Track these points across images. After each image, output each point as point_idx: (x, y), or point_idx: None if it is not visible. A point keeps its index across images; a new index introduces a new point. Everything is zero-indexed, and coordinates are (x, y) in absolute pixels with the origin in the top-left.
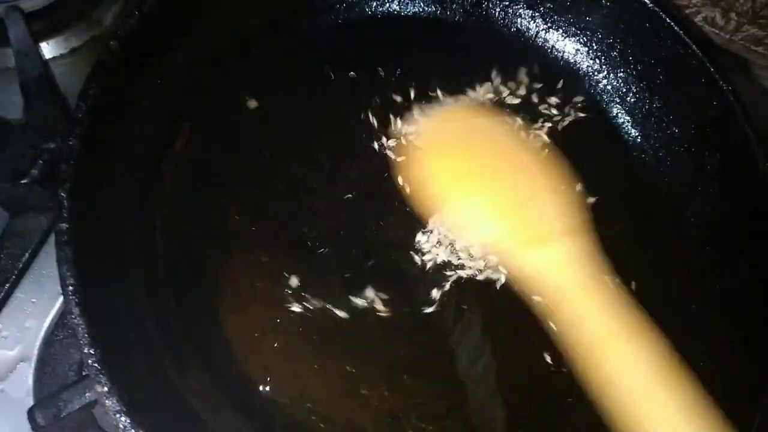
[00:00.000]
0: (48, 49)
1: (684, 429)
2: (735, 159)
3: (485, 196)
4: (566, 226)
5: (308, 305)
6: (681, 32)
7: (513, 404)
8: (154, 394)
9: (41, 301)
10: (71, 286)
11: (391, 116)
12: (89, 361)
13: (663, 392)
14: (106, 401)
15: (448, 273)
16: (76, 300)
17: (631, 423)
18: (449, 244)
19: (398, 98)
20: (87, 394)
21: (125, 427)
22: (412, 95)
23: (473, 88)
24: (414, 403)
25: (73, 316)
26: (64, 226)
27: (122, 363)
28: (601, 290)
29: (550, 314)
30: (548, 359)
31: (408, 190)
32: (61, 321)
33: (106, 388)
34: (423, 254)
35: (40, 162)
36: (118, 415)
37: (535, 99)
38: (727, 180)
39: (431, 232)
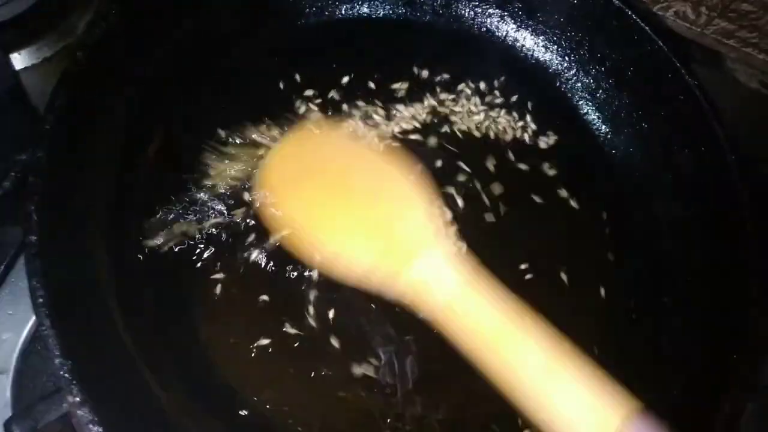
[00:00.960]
0: (19, 60)
1: (585, 408)
2: (703, 153)
3: (343, 224)
4: (428, 237)
5: (283, 312)
6: (647, 28)
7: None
8: (129, 404)
9: (18, 313)
10: (41, 298)
11: None
12: (60, 372)
13: (564, 374)
14: (78, 412)
15: None
16: (46, 312)
17: (537, 409)
18: None
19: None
20: (63, 405)
21: None
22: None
23: (445, 89)
24: (390, 404)
25: (44, 328)
26: (33, 238)
27: (95, 373)
28: (480, 289)
29: (441, 324)
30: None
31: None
32: (38, 333)
33: (77, 399)
34: None
35: (12, 174)
36: (90, 426)
37: (506, 99)
38: (697, 174)
39: None
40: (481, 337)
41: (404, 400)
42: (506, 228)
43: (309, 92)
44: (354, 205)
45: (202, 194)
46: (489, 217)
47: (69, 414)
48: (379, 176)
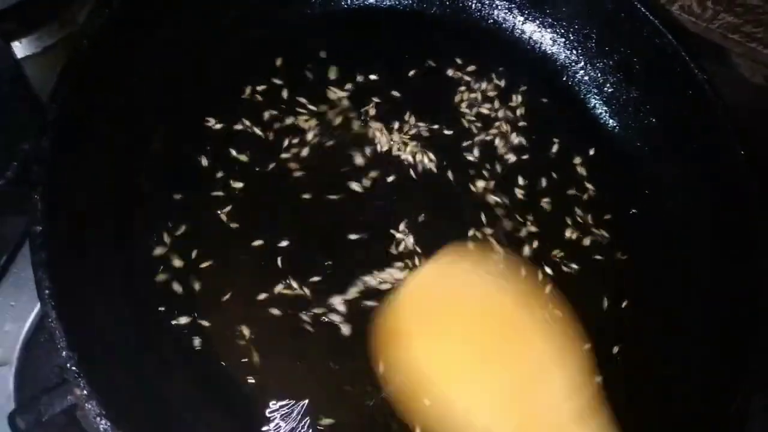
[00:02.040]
0: (20, 48)
1: None
2: (712, 147)
3: (481, 386)
4: (579, 408)
5: (289, 304)
6: (656, 21)
7: None
8: (134, 395)
9: (20, 304)
10: (47, 289)
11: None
12: (68, 365)
13: None
14: (86, 405)
15: None
16: (53, 303)
17: None
18: None
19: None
20: (68, 398)
21: (105, 429)
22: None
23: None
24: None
25: (50, 320)
26: (38, 228)
27: (101, 365)
28: None
29: None
30: None
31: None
32: (41, 324)
33: (85, 392)
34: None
35: (15, 163)
36: (98, 419)
37: (513, 92)
38: (706, 168)
39: None
40: None
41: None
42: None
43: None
44: (492, 365)
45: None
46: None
47: (74, 406)
48: (524, 330)
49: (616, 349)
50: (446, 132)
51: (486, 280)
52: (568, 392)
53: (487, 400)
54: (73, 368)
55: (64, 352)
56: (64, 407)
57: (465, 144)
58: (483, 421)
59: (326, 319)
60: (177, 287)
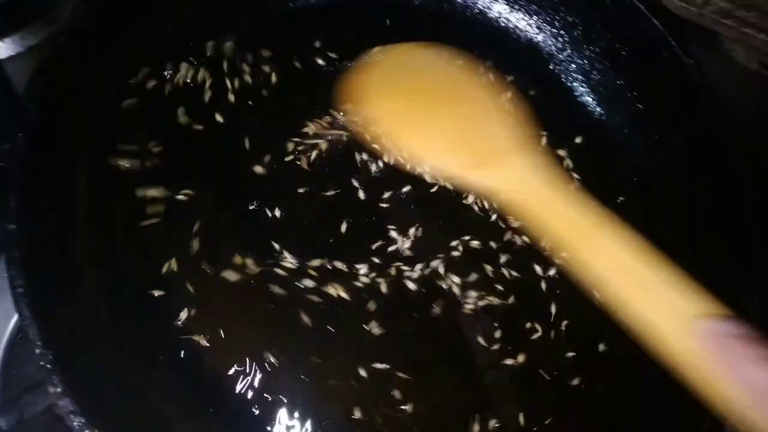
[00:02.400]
0: (3, 48)
1: (663, 303)
2: (700, 133)
3: (434, 125)
4: (517, 142)
5: (273, 296)
6: (641, 7)
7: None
8: (113, 394)
9: (3, 304)
10: (21, 288)
11: None
12: (41, 363)
13: (644, 271)
14: (59, 402)
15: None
16: (27, 302)
17: (616, 304)
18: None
19: None
20: (49, 397)
21: (79, 427)
22: None
23: None
24: (382, 392)
25: (24, 319)
26: (13, 227)
27: (78, 364)
28: (562, 194)
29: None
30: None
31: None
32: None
33: (59, 389)
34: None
35: None
36: (71, 416)
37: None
38: (694, 155)
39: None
40: (567, 233)
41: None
42: None
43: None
44: (447, 109)
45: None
46: None
47: (52, 405)
48: (473, 87)
49: None
50: None
51: (441, 57)
52: (508, 131)
53: (447, 134)
54: (48, 366)
55: (37, 350)
56: (45, 406)
57: None
58: (446, 150)
59: (314, 313)
60: (159, 283)
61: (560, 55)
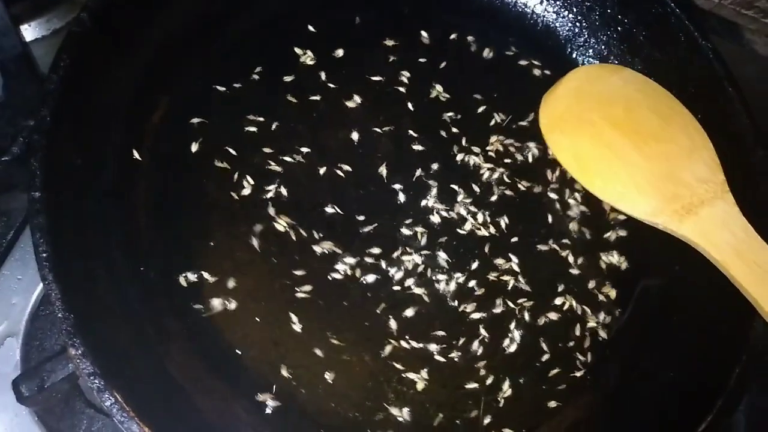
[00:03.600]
0: (29, 31)
1: None
2: (717, 119)
3: (629, 165)
4: (714, 189)
5: (288, 274)
6: None
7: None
8: (132, 360)
9: (27, 278)
10: (44, 253)
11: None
12: (63, 326)
13: None
14: (80, 364)
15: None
16: (49, 267)
17: None
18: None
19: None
20: (70, 365)
21: (99, 389)
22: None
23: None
24: (394, 368)
25: (46, 282)
26: (37, 194)
27: (98, 329)
28: (757, 254)
29: (723, 268)
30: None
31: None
32: (46, 297)
33: (79, 351)
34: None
35: (21, 139)
36: (91, 378)
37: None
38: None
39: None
40: (765, 288)
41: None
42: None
43: (309, 54)
44: (642, 144)
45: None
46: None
47: (74, 372)
48: (666, 115)
49: None
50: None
51: (625, 78)
52: (704, 174)
53: (643, 174)
54: (69, 329)
55: (60, 314)
56: (66, 374)
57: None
58: (640, 191)
59: (327, 291)
60: (180, 257)
61: (578, 40)
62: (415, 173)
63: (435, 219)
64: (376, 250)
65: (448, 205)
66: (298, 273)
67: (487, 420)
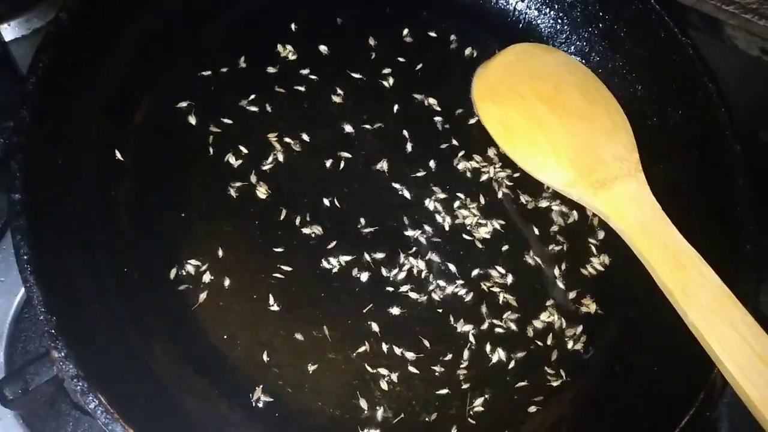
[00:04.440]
0: (9, 31)
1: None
2: (697, 115)
3: (552, 138)
4: (628, 167)
5: (273, 273)
6: None
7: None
8: (116, 361)
9: (9, 280)
10: (25, 255)
11: None
12: (45, 328)
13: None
14: (63, 366)
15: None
16: (30, 269)
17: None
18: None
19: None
20: (54, 367)
21: (83, 391)
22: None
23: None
24: (381, 365)
25: (27, 285)
26: (17, 196)
27: (81, 330)
28: (661, 231)
29: (629, 242)
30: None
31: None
32: (29, 299)
33: (62, 354)
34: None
35: (1, 140)
36: (74, 380)
37: None
38: (691, 137)
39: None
40: (666, 264)
41: (396, 362)
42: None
43: (293, 49)
44: (567, 119)
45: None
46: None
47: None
48: (592, 96)
49: None
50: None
51: (558, 58)
52: (627, 149)
53: (564, 147)
54: (51, 331)
55: (42, 316)
56: (50, 376)
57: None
58: (561, 164)
59: (316, 288)
60: (163, 257)
61: (559, 38)
62: (410, 172)
63: (435, 222)
64: (376, 252)
65: (447, 208)
66: (287, 269)
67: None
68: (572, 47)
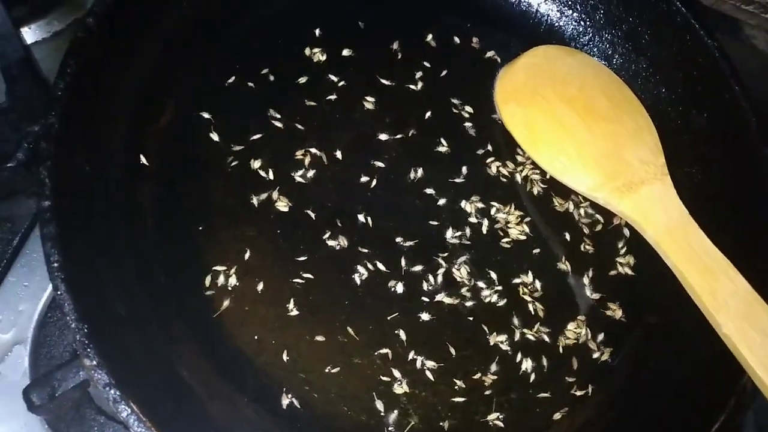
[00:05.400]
0: (30, 34)
1: None
2: (723, 117)
3: (577, 140)
4: (654, 170)
5: (299, 277)
6: None
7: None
8: (144, 367)
9: (33, 285)
10: (56, 263)
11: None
12: (77, 337)
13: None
14: (95, 375)
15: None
16: (62, 276)
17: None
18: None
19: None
20: (81, 373)
21: (116, 399)
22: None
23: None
24: (406, 370)
25: (59, 293)
26: (46, 203)
27: (111, 337)
28: (689, 235)
29: (657, 247)
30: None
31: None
32: (53, 303)
33: (94, 362)
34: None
35: (25, 145)
36: (107, 388)
37: None
38: (715, 139)
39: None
40: (694, 269)
41: (421, 367)
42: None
43: (320, 52)
44: (591, 122)
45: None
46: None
47: (86, 382)
48: (616, 99)
49: None
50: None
51: (581, 60)
52: (652, 153)
53: (588, 151)
54: (83, 339)
55: (73, 324)
56: (77, 382)
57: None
58: (585, 167)
59: (342, 293)
60: (189, 261)
61: (582, 39)
62: (445, 179)
63: (469, 227)
64: (409, 259)
65: (482, 216)
66: (308, 276)
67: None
68: (595, 49)
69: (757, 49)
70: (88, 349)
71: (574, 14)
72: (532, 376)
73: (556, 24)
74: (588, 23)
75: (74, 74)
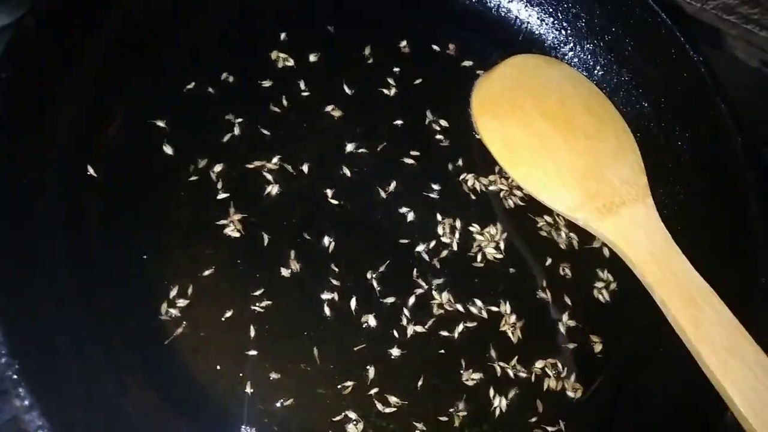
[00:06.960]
0: None
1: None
2: (706, 133)
3: (556, 157)
4: (636, 191)
5: (260, 301)
6: (650, 0)
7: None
8: (86, 403)
9: None
10: None
11: None
12: (8, 373)
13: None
14: (26, 417)
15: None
16: None
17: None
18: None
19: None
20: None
21: None
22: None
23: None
24: (373, 403)
25: None
26: None
27: (47, 372)
28: (672, 261)
29: (638, 271)
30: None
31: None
32: None
33: (26, 402)
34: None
35: None
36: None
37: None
38: (700, 157)
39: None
40: (677, 297)
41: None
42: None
43: (286, 57)
44: (571, 137)
45: None
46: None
47: (15, 418)
48: (598, 113)
49: None
50: None
51: (562, 72)
52: (634, 172)
53: (566, 169)
54: (14, 377)
55: (3, 359)
56: (10, 417)
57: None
58: (563, 186)
59: (303, 320)
60: (138, 284)
61: (563, 49)
62: (418, 194)
63: (443, 251)
64: (378, 283)
65: (456, 235)
66: (269, 300)
67: None
68: (576, 60)
69: (739, 59)
70: (20, 388)
71: (555, 22)
72: (506, 411)
73: (536, 32)
74: (569, 32)
75: (10, 80)
